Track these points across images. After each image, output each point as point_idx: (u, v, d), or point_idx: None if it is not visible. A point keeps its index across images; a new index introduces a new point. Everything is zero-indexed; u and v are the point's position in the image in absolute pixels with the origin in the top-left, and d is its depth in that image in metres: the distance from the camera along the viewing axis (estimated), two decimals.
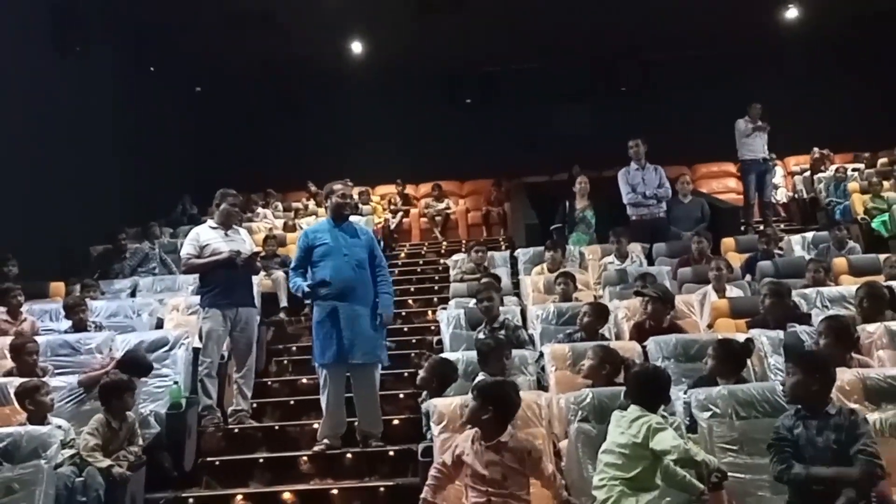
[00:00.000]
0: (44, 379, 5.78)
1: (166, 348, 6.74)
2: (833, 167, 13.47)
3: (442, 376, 5.42)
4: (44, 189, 10.52)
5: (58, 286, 9.11)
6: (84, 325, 7.58)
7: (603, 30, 14.43)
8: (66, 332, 7.51)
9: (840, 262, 8.50)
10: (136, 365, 6.12)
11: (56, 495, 4.75)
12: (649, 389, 4.32)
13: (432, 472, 4.35)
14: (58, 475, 4.89)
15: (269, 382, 8.01)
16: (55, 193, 10.77)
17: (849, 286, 7.23)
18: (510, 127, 15.46)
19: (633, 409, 4.28)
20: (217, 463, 6.19)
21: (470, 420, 4.38)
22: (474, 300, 7.21)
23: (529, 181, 14.22)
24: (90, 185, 11.60)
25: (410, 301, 10.53)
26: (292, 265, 6.68)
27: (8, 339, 6.98)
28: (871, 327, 5.90)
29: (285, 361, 8.59)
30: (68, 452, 5.22)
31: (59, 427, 5.33)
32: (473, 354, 6.03)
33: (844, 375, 4.71)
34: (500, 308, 7.28)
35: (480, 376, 5.43)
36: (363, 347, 6.11)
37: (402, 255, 13.52)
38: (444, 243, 13.97)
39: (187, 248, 6.89)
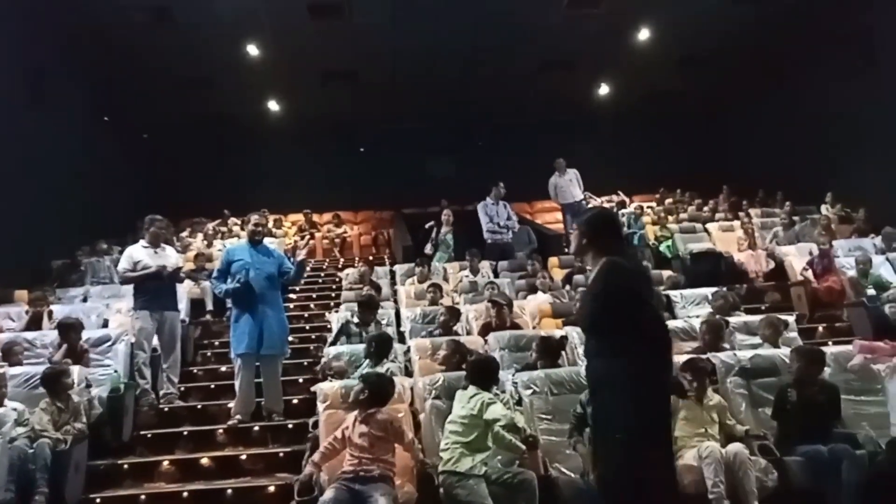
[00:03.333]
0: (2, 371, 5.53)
1: (109, 343, 6.63)
2: (633, 205, 13.98)
3: (462, 354, 5.33)
4: (13, 213, 10.01)
5: (21, 293, 8.78)
6: (40, 317, 7.33)
7: (464, 101, 14.64)
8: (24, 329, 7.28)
9: None
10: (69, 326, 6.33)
11: (9, 464, 4.57)
12: (483, 373, 4.42)
13: (324, 443, 4.35)
14: (12, 448, 4.70)
15: (195, 371, 7.77)
16: (22, 217, 10.26)
17: None
18: (394, 170, 15.46)
19: (471, 389, 4.37)
20: (149, 435, 5.98)
21: (353, 400, 4.40)
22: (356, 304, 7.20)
23: (407, 212, 14.29)
24: (53, 211, 11.11)
25: (312, 305, 10.39)
26: (214, 274, 6.58)
27: None
28: None
29: (209, 354, 8.34)
30: (22, 430, 5.00)
31: (14, 409, 5.10)
32: (359, 347, 6.09)
33: None
34: (380, 311, 7.33)
35: (365, 365, 5.48)
36: (270, 342, 6.04)
37: (308, 269, 13.29)
38: (342, 260, 13.84)
39: (122, 264, 6.74)
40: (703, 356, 5.07)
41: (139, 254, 6.69)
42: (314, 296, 10.89)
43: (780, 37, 12.69)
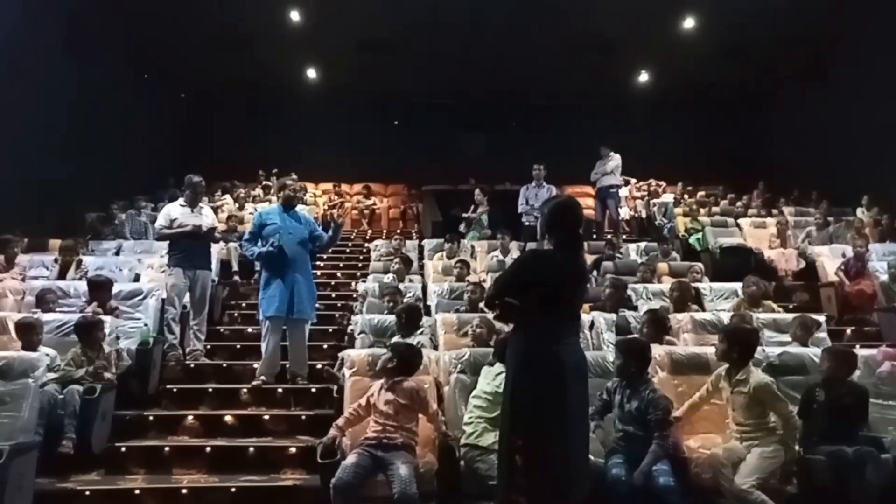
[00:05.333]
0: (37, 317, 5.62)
1: (140, 297, 6.68)
2: (666, 195, 13.88)
3: (491, 330, 5.37)
4: (51, 166, 10.16)
5: (55, 242, 8.83)
6: (69, 267, 7.41)
7: (501, 79, 14.55)
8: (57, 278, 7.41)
9: (663, 266, 8.79)
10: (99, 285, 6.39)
11: (40, 408, 4.61)
12: None
13: (349, 409, 4.39)
14: (42, 392, 4.75)
15: (222, 330, 7.87)
16: (59, 170, 10.39)
17: (667, 284, 7.49)
18: (426, 145, 15.42)
19: (498, 366, 4.37)
20: (175, 390, 6.07)
21: (381, 367, 4.43)
22: (387, 275, 7.23)
23: (437, 189, 14.26)
24: (87, 164, 11.17)
25: (339, 273, 10.46)
26: (245, 237, 6.62)
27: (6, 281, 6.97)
28: (679, 316, 6.14)
29: (236, 314, 8.44)
30: (52, 375, 5.08)
31: (47, 355, 5.18)
32: (389, 318, 6.15)
33: (658, 351, 4.90)
34: (407, 284, 7.36)
35: (397, 337, 5.50)
36: (298, 306, 6.10)
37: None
38: (370, 232, 13.93)
39: (160, 221, 6.83)
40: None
41: (176, 212, 6.76)
42: (341, 265, 10.95)
43: (826, 32, 12.44)
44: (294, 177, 7.40)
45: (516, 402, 3.28)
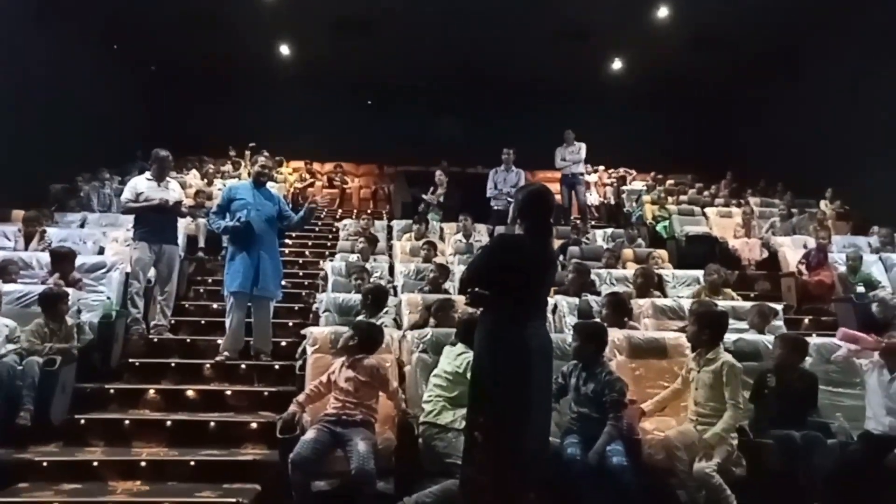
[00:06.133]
0: None
1: (104, 270, 6.63)
2: (636, 183, 13.99)
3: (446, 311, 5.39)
4: (15, 135, 9.97)
5: (18, 213, 8.74)
6: (31, 238, 7.37)
7: (476, 63, 14.51)
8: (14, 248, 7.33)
9: (627, 252, 8.89)
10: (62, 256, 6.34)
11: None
12: (472, 333, 4.43)
13: (310, 385, 4.41)
14: (1, 363, 4.71)
15: (187, 305, 7.83)
16: (25, 141, 10.22)
17: (632, 270, 7.58)
18: (398, 126, 15.35)
19: (460, 346, 4.42)
20: (137, 364, 6.05)
21: (343, 345, 4.46)
22: (354, 255, 7.24)
23: (409, 170, 14.24)
24: (53, 135, 10.99)
25: (307, 252, 10.41)
26: (213, 210, 6.58)
27: None
28: (641, 301, 6.23)
29: (201, 290, 8.39)
30: (13, 347, 5.04)
31: (6, 325, 5.14)
32: (354, 297, 6.16)
33: (617, 335, 4.97)
34: (373, 264, 7.38)
35: (361, 317, 5.51)
36: (264, 283, 6.09)
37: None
38: (340, 211, 13.88)
39: (125, 194, 6.75)
40: None
41: (143, 185, 6.70)
42: (310, 244, 10.91)
43: (795, 25, 12.60)
44: (266, 154, 7.36)
45: (481, 383, 3.38)
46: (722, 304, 6.39)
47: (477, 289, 3.47)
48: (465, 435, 3.46)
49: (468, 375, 4.16)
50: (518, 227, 3.55)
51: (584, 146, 11.42)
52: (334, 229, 11.43)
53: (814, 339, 5.31)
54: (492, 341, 3.38)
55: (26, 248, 7.32)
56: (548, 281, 3.64)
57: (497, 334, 3.37)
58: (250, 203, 6.15)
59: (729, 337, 5.23)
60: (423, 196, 11.59)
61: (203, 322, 7.24)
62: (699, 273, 7.46)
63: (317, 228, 11.91)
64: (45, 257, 6.65)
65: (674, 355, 4.95)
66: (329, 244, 10.59)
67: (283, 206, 6.43)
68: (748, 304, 6.37)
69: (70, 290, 5.77)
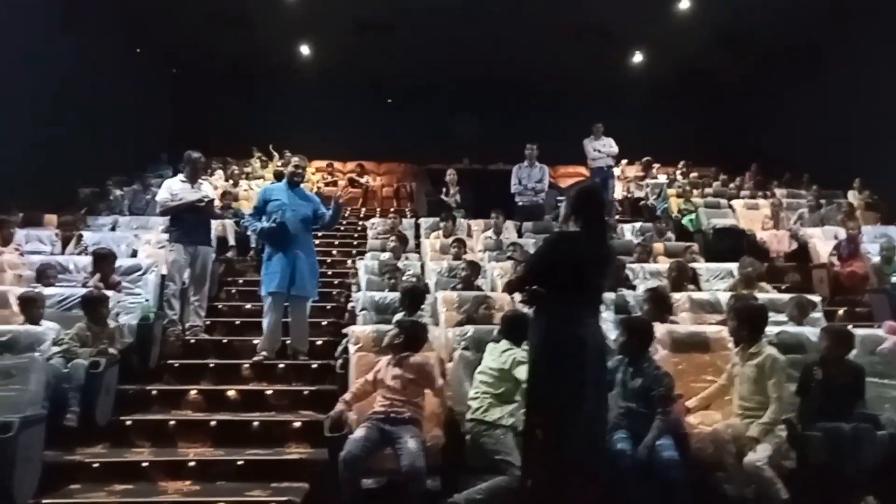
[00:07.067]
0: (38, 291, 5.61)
1: (140, 273, 6.67)
2: (659, 176, 13.90)
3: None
4: (41, 138, 10.05)
5: (51, 217, 8.85)
6: (68, 242, 7.43)
7: (496, 61, 14.49)
8: (52, 253, 7.41)
9: (658, 246, 8.83)
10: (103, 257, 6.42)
11: (46, 381, 4.62)
12: (515, 328, 4.44)
13: (356, 384, 4.43)
14: (48, 365, 4.76)
15: (220, 306, 7.88)
16: (54, 145, 10.32)
17: (663, 264, 7.55)
18: (420, 125, 15.36)
19: (504, 343, 4.42)
20: (176, 365, 6.11)
21: (388, 343, 4.47)
22: (384, 253, 7.25)
23: (432, 167, 14.22)
24: (81, 139, 11.10)
25: (334, 251, 10.45)
26: (249, 212, 6.63)
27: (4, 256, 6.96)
28: (677, 295, 6.20)
29: (233, 291, 8.43)
30: (57, 349, 5.09)
31: (51, 328, 5.18)
32: (390, 295, 6.18)
33: (659, 329, 4.95)
34: (405, 262, 7.38)
35: (400, 314, 5.52)
36: (300, 283, 6.12)
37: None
38: (364, 210, 13.91)
39: (162, 194, 6.78)
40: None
41: (177, 187, 6.74)
42: (336, 243, 10.93)
43: (819, 18, 12.48)
44: (301, 156, 7.39)
45: (539, 383, 3.39)
46: (758, 297, 6.36)
47: (535, 287, 3.46)
48: (523, 435, 3.46)
49: (514, 372, 4.21)
50: (572, 226, 3.54)
51: (611, 141, 11.35)
52: (360, 227, 11.46)
53: (857, 330, 5.25)
54: (549, 341, 3.38)
55: (63, 252, 7.38)
56: (603, 277, 3.64)
57: (554, 334, 3.37)
58: (285, 204, 6.18)
59: (771, 330, 5.19)
60: (443, 198, 11.57)
61: (237, 322, 7.29)
62: (732, 266, 7.39)
63: (342, 227, 11.93)
64: (82, 261, 6.72)
65: (716, 349, 4.92)
66: (356, 243, 10.62)
67: (318, 205, 6.45)
68: (786, 297, 6.31)
69: (110, 293, 5.81)
